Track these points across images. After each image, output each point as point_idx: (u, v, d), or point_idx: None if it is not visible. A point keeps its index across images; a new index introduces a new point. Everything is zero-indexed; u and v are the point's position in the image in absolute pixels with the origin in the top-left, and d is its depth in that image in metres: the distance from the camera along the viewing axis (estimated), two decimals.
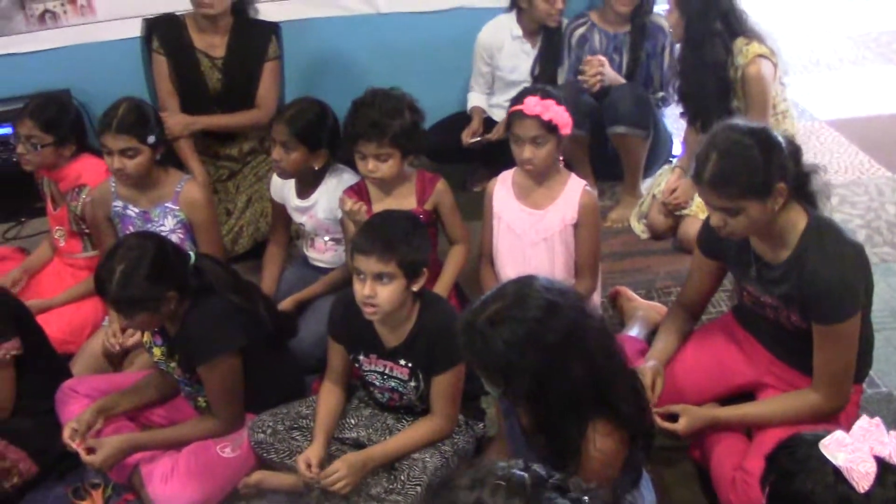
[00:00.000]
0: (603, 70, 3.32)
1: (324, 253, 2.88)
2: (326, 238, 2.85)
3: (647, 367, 2.21)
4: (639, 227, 3.43)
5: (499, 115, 3.63)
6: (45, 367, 2.47)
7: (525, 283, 1.76)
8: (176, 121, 3.26)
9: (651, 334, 2.62)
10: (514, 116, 2.54)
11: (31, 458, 2.35)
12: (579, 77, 3.35)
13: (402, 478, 2.17)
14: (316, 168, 2.74)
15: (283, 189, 2.87)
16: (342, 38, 3.99)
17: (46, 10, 3.93)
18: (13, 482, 2.31)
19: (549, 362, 1.68)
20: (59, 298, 2.91)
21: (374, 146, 2.54)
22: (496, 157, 3.22)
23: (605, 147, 3.51)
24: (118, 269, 2.09)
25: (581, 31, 3.55)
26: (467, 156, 3.59)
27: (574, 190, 2.61)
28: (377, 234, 2.11)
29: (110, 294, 2.11)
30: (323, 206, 2.78)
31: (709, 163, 1.96)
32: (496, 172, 2.79)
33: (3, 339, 2.30)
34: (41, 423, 2.37)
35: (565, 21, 3.57)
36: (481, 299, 1.76)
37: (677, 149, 3.72)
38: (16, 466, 2.31)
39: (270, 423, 2.30)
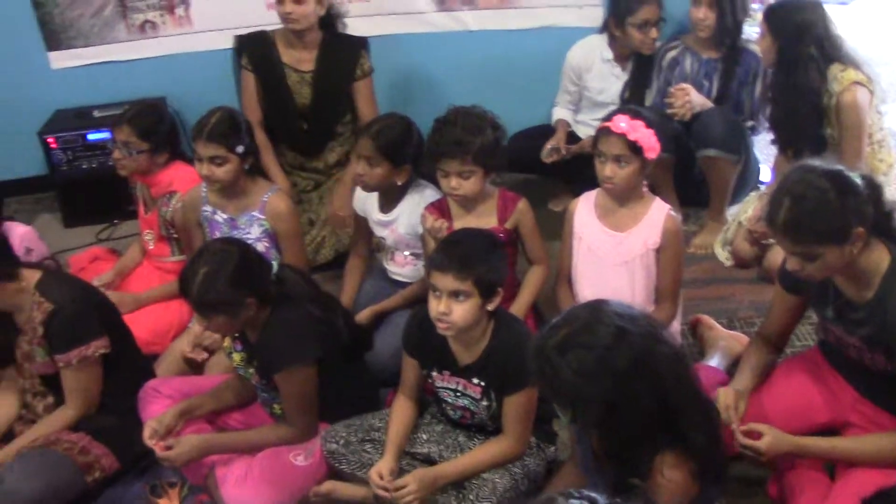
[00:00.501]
0: (690, 98, 3.27)
1: (403, 267, 2.90)
2: (406, 252, 2.88)
3: (729, 388, 2.15)
4: (723, 255, 3.36)
5: (583, 132, 3.61)
6: (130, 366, 2.54)
7: (596, 308, 1.74)
8: (342, 202, 3.29)
9: (732, 366, 2.56)
10: (600, 132, 2.54)
11: (113, 455, 2.42)
12: (668, 110, 3.30)
13: (471, 497, 2.16)
14: (398, 183, 2.76)
15: (365, 202, 2.90)
16: (429, 55, 4.04)
17: (147, 20, 4.08)
18: (95, 477, 2.37)
19: (618, 390, 1.66)
20: (147, 295, 3.01)
21: (457, 164, 2.55)
22: (579, 175, 3.19)
23: (690, 171, 3.46)
24: (201, 272, 2.16)
25: (673, 53, 3.51)
26: (547, 167, 3.57)
27: (658, 214, 2.57)
28: (455, 252, 2.11)
29: (192, 295, 2.17)
30: (404, 221, 2.80)
31: (782, 208, 1.89)
32: (578, 192, 2.78)
33: (93, 338, 2.38)
34: (124, 420, 2.44)
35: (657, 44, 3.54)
36: (551, 324, 1.75)
37: (765, 175, 3.63)
38: (98, 462, 2.38)
39: (343, 434, 2.33)
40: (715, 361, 2.66)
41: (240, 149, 2.72)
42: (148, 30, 4.09)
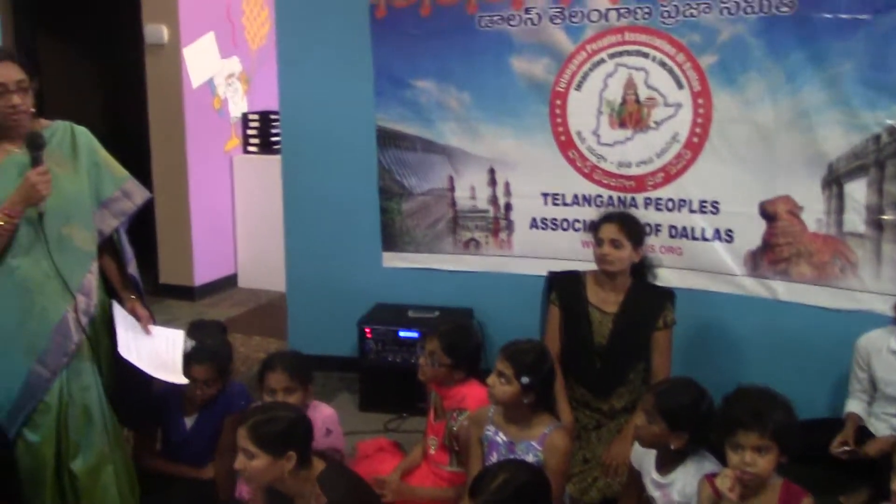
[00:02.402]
0: None
1: None
2: None
3: None
4: None
5: (876, 427, 3.37)
6: None
7: None
8: (619, 450, 3.33)
9: None
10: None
11: None
12: None
13: None
14: (672, 448, 2.74)
15: (643, 457, 2.90)
16: (731, 316, 4.04)
17: (472, 239, 4.50)
18: None
19: None
20: (419, 491, 3.20)
21: (756, 436, 2.48)
22: (878, 474, 2.97)
23: None
24: (500, 476, 2.34)
25: None
26: (832, 462, 3.34)
27: None
28: None
29: (483, 494, 2.32)
30: (679, 487, 2.75)
31: None
32: (878, 494, 2.58)
33: None
34: None
35: None
36: None
37: None
38: None
39: None
40: None
41: (524, 380, 2.87)
42: (471, 247, 4.50)
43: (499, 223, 4.44)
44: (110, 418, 3.00)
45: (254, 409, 2.73)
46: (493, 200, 4.43)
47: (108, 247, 3.07)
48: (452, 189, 4.49)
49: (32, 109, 2.83)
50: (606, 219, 3.58)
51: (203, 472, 3.36)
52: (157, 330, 3.10)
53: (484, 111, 4.35)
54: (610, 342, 3.55)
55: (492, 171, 4.40)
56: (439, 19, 4.33)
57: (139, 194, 3.10)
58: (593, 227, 3.61)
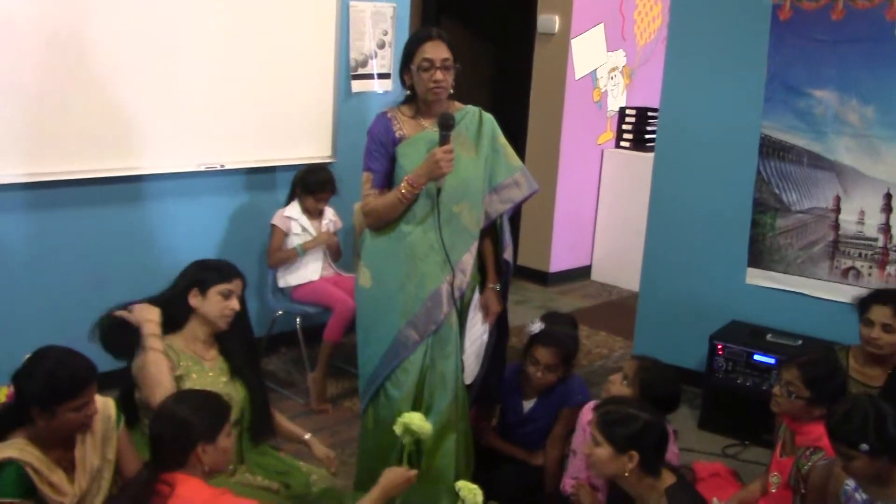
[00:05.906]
0: None
1: None
2: None
3: None
4: None
5: None
6: None
7: None
8: None
9: None
10: None
11: None
12: None
13: None
14: None
15: None
16: None
17: (852, 267, 4.10)
18: None
19: None
20: None
21: None
22: None
23: None
24: None
25: None
26: None
27: None
28: None
29: None
30: None
31: None
32: None
33: None
34: None
35: None
36: None
37: None
38: None
39: None
40: None
41: (864, 447, 2.50)
42: (850, 276, 4.09)
43: (888, 255, 3.98)
44: (462, 390, 3.14)
45: (613, 399, 2.74)
46: (885, 229, 3.98)
47: (490, 230, 3.20)
48: (837, 210, 4.10)
49: (451, 90, 3.01)
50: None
51: (533, 457, 3.40)
52: (478, 325, 3.18)
53: (889, 128, 3.91)
54: None
55: (888, 196, 3.96)
56: (851, 24, 3.96)
57: (527, 185, 3.19)
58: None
